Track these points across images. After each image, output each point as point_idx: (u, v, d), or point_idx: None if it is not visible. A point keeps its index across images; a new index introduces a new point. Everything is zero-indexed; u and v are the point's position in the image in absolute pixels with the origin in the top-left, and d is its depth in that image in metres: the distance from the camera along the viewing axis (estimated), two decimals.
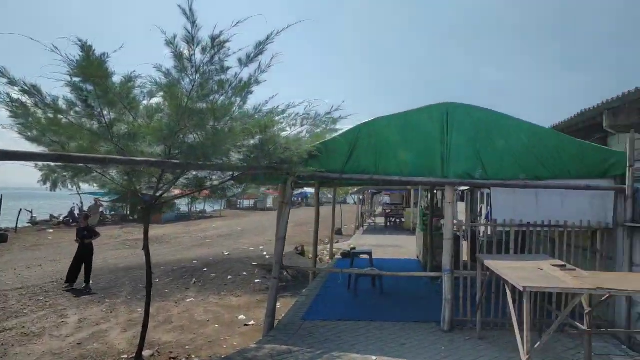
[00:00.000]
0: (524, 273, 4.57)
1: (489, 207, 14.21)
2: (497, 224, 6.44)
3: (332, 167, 6.51)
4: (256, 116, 5.68)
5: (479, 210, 16.60)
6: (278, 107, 5.99)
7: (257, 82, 5.45)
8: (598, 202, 6.24)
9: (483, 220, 15.18)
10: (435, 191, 13.34)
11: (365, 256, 11.47)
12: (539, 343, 3.96)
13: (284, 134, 6.17)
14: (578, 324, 4.79)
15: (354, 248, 13.77)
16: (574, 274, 4.51)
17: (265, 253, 15.20)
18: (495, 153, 6.38)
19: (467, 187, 13.17)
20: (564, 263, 5.25)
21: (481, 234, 9.38)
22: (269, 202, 56.44)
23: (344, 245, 16.61)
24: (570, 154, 6.27)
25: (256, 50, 5.20)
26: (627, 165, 5.89)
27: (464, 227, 7.32)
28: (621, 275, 4.80)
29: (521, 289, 3.99)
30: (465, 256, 9.41)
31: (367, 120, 6.64)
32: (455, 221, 6.85)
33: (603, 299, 4.58)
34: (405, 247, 16.26)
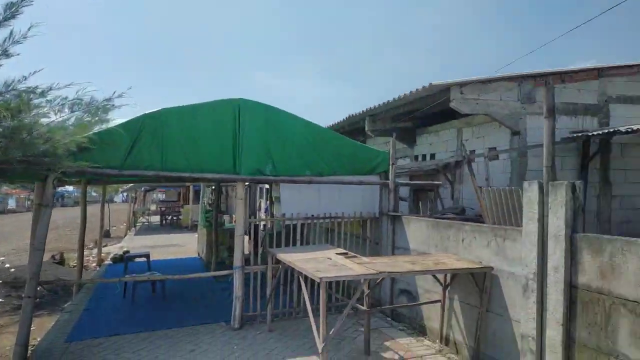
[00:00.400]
0: (317, 264, 4.80)
1: (268, 202, 14.85)
2: (285, 218, 6.66)
3: (108, 162, 5.63)
4: (7, 96, 4.45)
5: (258, 205, 17.19)
6: (37, 87, 4.83)
7: (7, 55, 4.27)
8: (368, 195, 7.10)
9: (263, 215, 15.77)
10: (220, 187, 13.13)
11: (142, 259, 10.50)
12: (334, 329, 4.20)
13: (45, 120, 5.02)
14: (359, 305, 5.31)
15: (127, 251, 12.48)
16: (357, 261, 4.97)
17: (8, 265, 12.39)
18: (284, 150, 6.58)
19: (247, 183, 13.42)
20: (346, 251, 5.76)
21: (262, 228, 9.67)
22: (11, 203, 46.78)
23: (114, 249, 14.90)
24: (346, 152, 6.93)
25: (6, 13, 4.05)
26: (390, 163, 6.85)
27: (250, 222, 7.33)
28: (391, 258, 5.53)
29: (318, 280, 4.15)
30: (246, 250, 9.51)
31: (152, 111, 5.97)
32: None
33: (379, 281, 5.20)
34: (186, 245, 15.62)
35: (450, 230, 5.53)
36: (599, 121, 8.37)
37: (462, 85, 7.50)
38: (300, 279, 4.95)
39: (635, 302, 3.33)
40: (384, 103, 9.14)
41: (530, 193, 4.33)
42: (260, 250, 7.05)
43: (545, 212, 4.18)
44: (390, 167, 6.84)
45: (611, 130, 7.15)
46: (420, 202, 8.31)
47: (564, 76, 8.07)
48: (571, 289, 3.88)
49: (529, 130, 7.79)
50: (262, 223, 9.36)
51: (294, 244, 6.73)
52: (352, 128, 11.46)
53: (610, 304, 3.53)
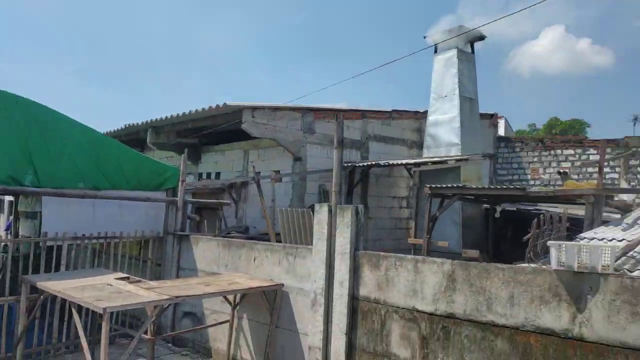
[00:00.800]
0: (96, 292, 4.13)
1: (11, 217, 12.16)
2: (47, 238, 5.56)
3: None
4: None
5: None
6: None
7: None
8: (153, 212, 6.54)
9: (2, 233, 12.85)
10: None
11: None
12: None
13: None
14: (144, 335, 4.76)
15: None
16: (144, 286, 4.48)
17: None
18: (52, 157, 5.55)
19: None
20: (127, 275, 5.14)
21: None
22: None
23: None
24: (131, 165, 6.28)
25: None
26: (180, 179, 6.50)
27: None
28: (182, 281, 5.18)
29: (100, 311, 3.56)
30: None
31: None
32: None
33: (166, 306, 4.79)
34: None
35: (243, 249, 5.54)
36: (361, 154, 9.80)
37: (254, 109, 7.75)
38: (73, 310, 4.16)
39: (405, 308, 3.93)
40: (171, 116, 8.69)
41: (321, 214, 4.71)
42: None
43: (333, 232, 4.60)
44: (180, 183, 6.49)
45: (372, 163, 8.46)
46: (206, 221, 8.12)
47: (337, 113, 9.19)
48: (354, 300, 4.34)
49: (309, 158, 8.55)
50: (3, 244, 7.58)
51: (57, 269, 5.67)
52: (130, 138, 10.49)
53: (385, 312, 4.08)
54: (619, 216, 6.97)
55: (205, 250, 6.01)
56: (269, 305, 4.97)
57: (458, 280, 3.65)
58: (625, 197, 7.79)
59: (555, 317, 3.15)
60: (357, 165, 8.67)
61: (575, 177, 11.53)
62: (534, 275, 3.33)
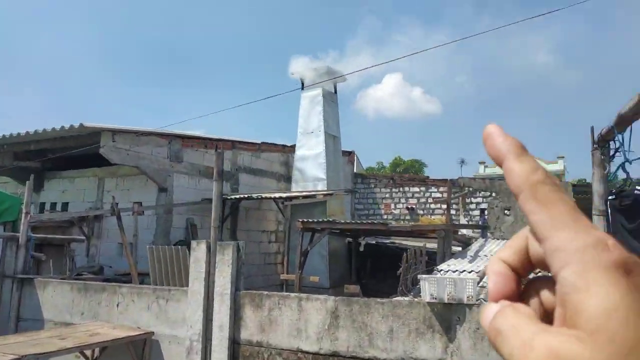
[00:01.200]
0: None
1: None
2: None
3: None
4: None
5: None
6: None
7: None
8: None
9: None
10: None
11: None
12: None
13: None
14: None
15: None
16: None
17: None
18: None
19: None
20: None
21: None
22: None
23: None
24: None
25: None
26: (23, 211, 5.57)
27: None
28: (28, 336, 4.34)
29: None
30: None
31: None
32: None
33: None
34: None
35: (103, 293, 4.93)
36: (231, 186, 9.62)
37: (115, 132, 7.10)
38: None
39: (289, 350, 3.89)
40: (10, 135, 7.48)
41: (198, 252, 4.47)
42: None
43: (212, 271, 4.39)
44: (24, 215, 5.56)
45: (245, 196, 8.35)
46: (51, 261, 7.01)
47: (207, 142, 8.94)
48: (234, 345, 4.15)
49: (175, 188, 8.08)
50: None
51: None
52: None
53: (269, 355, 3.98)
54: (460, 248, 7.99)
55: (55, 296, 5.20)
56: (136, 357, 4.47)
57: (341, 316, 3.75)
58: (465, 232, 8.99)
59: (430, 348, 3.44)
60: (228, 197, 8.47)
61: (421, 212, 12.94)
62: (410, 308, 3.60)
